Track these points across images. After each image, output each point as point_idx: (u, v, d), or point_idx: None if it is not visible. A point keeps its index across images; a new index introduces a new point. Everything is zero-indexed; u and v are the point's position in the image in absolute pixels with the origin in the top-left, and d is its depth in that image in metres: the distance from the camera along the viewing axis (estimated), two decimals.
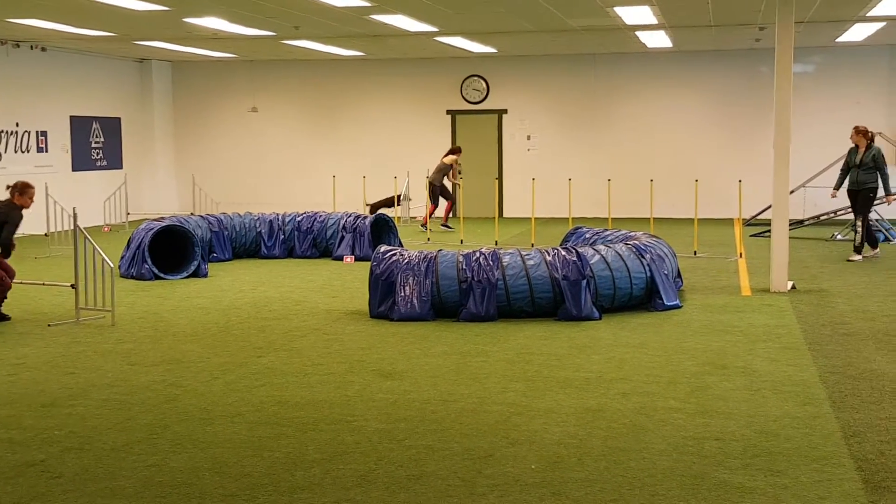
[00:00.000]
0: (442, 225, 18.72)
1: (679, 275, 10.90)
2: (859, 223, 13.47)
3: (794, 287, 10.99)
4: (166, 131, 22.87)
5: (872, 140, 13.66)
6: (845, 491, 4.66)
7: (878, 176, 13.36)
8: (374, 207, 19.15)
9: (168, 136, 22.93)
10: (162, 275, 12.29)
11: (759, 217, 18.03)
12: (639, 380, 6.99)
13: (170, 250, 12.71)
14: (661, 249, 10.24)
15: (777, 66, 10.93)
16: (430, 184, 18.46)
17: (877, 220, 16.16)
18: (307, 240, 14.75)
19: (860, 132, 13.43)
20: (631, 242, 10.17)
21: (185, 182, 22.53)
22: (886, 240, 15.75)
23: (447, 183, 18.88)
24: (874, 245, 13.81)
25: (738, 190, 15.26)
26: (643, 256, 9.80)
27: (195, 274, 12.49)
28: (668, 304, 9.78)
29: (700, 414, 6.06)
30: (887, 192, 13.57)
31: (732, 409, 6.18)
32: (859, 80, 19.97)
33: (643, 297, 9.81)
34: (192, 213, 16.56)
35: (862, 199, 13.39)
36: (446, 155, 18.61)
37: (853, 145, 13.63)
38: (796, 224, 16.64)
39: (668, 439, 5.54)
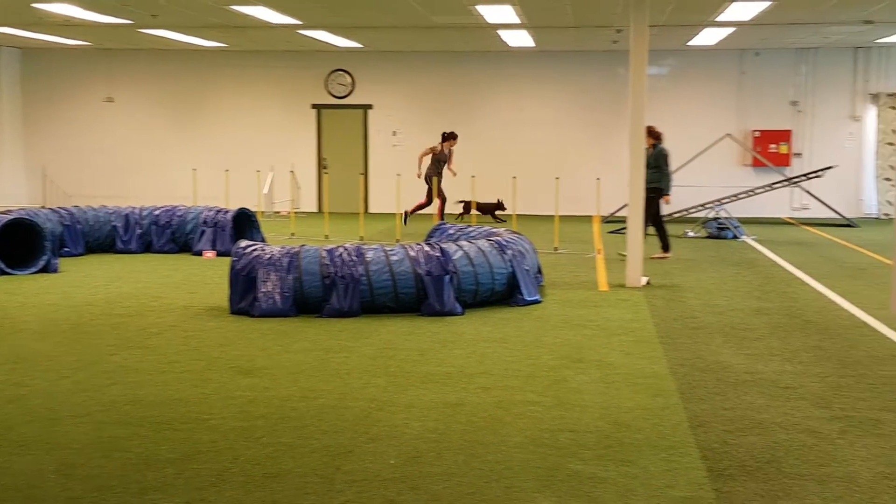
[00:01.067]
0: (407, 216, 17.37)
1: (540, 270, 11.10)
2: (650, 225, 13.23)
3: (648, 282, 11.34)
4: (14, 120, 21.89)
5: (659, 140, 13.67)
6: (691, 479, 4.84)
7: (661, 175, 13.35)
8: (483, 209, 18.60)
9: (16, 125, 21.95)
10: (9, 270, 11.76)
11: (616, 214, 18.53)
12: (499, 374, 7.08)
13: (17, 245, 12.17)
14: (523, 245, 10.41)
15: (632, 68, 11.24)
16: (426, 178, 17.24)
17: (725, 219, 16.86)
18: (165, 234, 14.37)
19: (648, 132, 13.10)
20: (493, 239, 10.30)
21: (34, 174, 21.63)
22: (734, 237, 16.43)
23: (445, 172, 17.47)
24: (666, 249, 13.68)
25: (597, 188, 15.64)
26: (505, 252, 9.94)
27: (45, 269, 12.01)
28: (529, 299, 9.95)
29: (557, 406, 6.19)
30: (664, 192, 13.49)
31: (587, 401, 6.32)
32: (711, 82, 20.76)
33: (505, 292, 9.95)
34: (42, 207, 15.90)
35: (646, 199, 12.87)
36: (442, 143, 17.35)
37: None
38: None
39: (526, 432, 5.63)
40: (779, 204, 20.24)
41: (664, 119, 19.99)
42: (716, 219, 16.98)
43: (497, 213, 18.83)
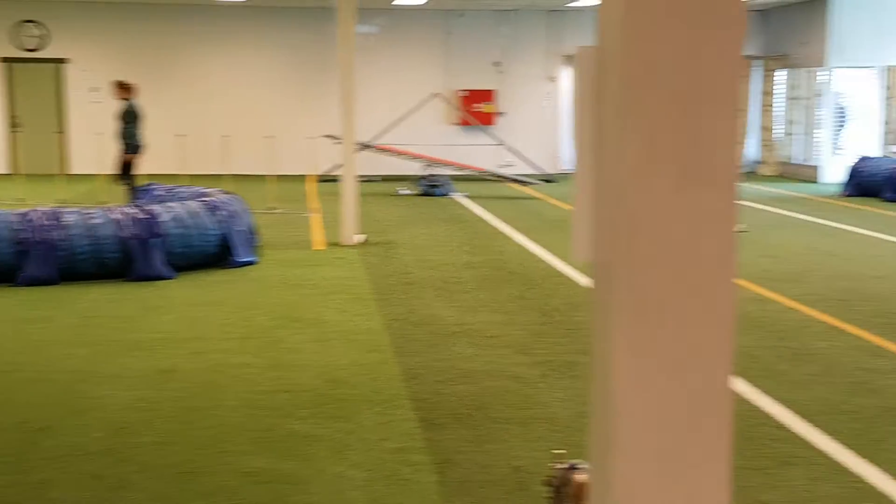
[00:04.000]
0: None
1: (254, 231, 10.93)
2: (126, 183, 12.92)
3: (364, 240, 11.48)
4: None
5: (131, 94, 13.02)
6: (404, 430, 4.97)
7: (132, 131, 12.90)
8: None
9: None
10: None
11: (331, 173, 18.57)
12: (213, 337, 6.92)
13: None
14: (236, 206, 10.19)
15: (339, 26, 11.24)
16: None
17: (437, 176, 17.36)
18: None
19: (118, 86, 12.77)
20: (205, 199, 10.00)
21: None
22: (445, 194, 16.96)
23: None
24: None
25: (311, 147, 15.59)
26: (216, 213, 9.69)
27: None
28: (243, 260, 9.78)
29: (273, 367, 6.14)
30: (128, 150, 13.03)
31: (304, 360, 6.32)
32: (419, 42, 21.20)
33: (218, 254, 9.71)
34: None
35: (122, 155, 12.75)
36: None
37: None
38: (366, 180, 17.37)
39: (241, 395, 5.55)
40: (486, 162, 21.10)
41: (374, 79, 20.25)
42: (427, 176, 17.44)
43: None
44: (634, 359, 1.34)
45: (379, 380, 5.88)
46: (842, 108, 20.48)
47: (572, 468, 2.70)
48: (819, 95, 19.93)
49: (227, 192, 10.79)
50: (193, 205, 9.70)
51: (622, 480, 1.37)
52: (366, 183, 17.04)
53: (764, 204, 15.47)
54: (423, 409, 5.32)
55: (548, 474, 2.76)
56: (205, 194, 10.53)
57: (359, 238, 11.43)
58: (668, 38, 1.28)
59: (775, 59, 21.10)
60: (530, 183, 18.25)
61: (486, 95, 21.12)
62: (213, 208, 9.74)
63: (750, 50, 21.73)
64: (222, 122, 19.78)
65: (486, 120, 20.90)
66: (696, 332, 1.30)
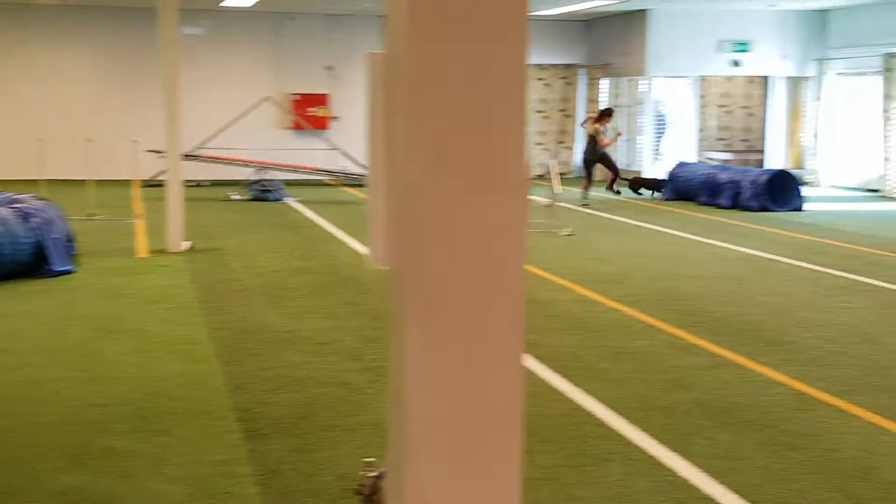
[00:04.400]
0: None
1: (72, 238, 10.47)
2: None
3: (191, 247, 11.18)
4: None
5: None
6: (227, 442, 4.85)
7: None
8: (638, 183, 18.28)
9: None
10: None
11: (156, 178, 18.01)
12: (25, 351, 6.58)
13: None
14: (50, 212, 9.74)
15: (161, 28, 10.93)
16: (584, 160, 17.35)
17: (269, 181, 17.10)
18: None
19: None
20: (16, 206, 9.51)
21: None
22: (278, 199, 16.73)
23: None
24: None
25: (136, 151, 15.06)
26: (29, 220, 9.23)
27: None
28: (59, 269, 9.35)
29: (90, 381, 5.89)
30: None
31: (123, 373, 6.09)
32: (249, 45, 20.85)
33: (32, 263, 9.25)
34: None
35: None
36: (594, 122, 17.39)
37: None
38: (194, 185, 16.95)
39: (57, 410, 5.30)
40: (320, 166, 20.94)
41: (203, 81, 19.78)
42: (259, 181, 17.16)
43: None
44: (427, 364, 1.34)
45: (202, 391, 5.73)
46: (662, 116, 21.40)
47: (381, 476, 2.69)
48: (640, 103, 20.75)
49: (40, 198, 10.30)
50: (3, 211, 9.22)
51: (414, 485, 1.37)
52: (194, 188, 16.63)
53: (590, 208, 15.97)
54: (248, 419, 5.21)
55: (358, 483, 2.75)
56: (16, 200, 10.00)
57: (185, 245, 11.12)
58: (452, 47, 1.29)
59: (599, 67, 21.83)
60: (365, 187, 18.23)
61: (319, 100, 20.97)
62: (25, 215, 9.27)
63: (575, 59, 22.42)
64: (39, 125, 18.88)
65: (319, 124, 20.75)
66: (488, 337, 1.32)
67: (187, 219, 11.48)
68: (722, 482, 4.36)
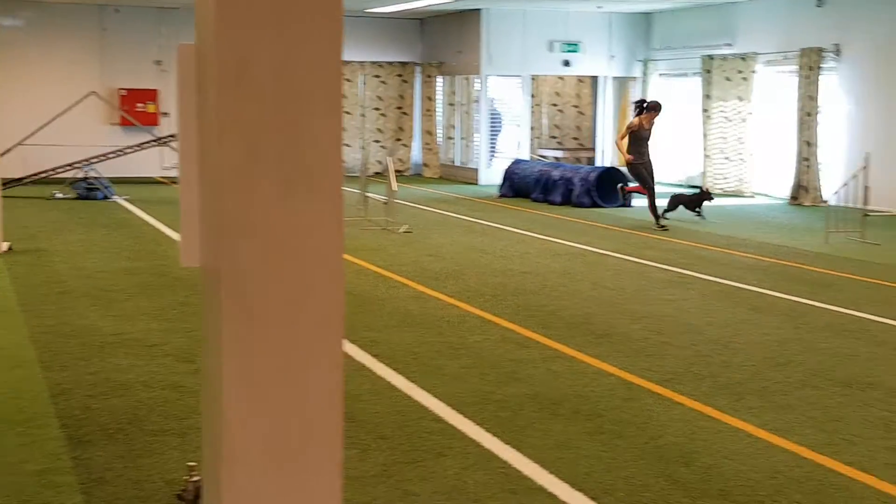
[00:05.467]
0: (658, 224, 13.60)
1: None
2: None
3: (10, 248, 10.62)
4: None
5: None
6: (49, 451, 4.63)
7: None
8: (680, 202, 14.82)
9: None
10: None
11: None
12: None
13: None
14: None
15: None
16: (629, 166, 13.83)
17: (95, 179, 16.44)
18: None
19: None
20: None
21: None
22: (105, 197, 16.11)
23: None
24: None
25: None
26: None
27: None
28: None
29: None
30: None
31: None
32: (72, 38, 19.99)
33: None
34: None
35: None
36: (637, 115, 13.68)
37: None
38: (14, 183, 16.11)
39: None
40: (149, 163, 20.28)
41: (24, 76, 18.85)
42: (85, 179, 16.48)
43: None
44: (243, 366, 1.31)
45: (22, 398, 5.45)
46: (497, 114, 21.78)
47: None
48: (476, 102, 21.05)
49: None
50: None
51: (231, 486, 1.33)
52: (14, 186, 15.81)
53: (427, 205, 16.10)
54: (71, 426, 4.99)
55: (181, 487, 2.67)
56: None
57: (3, 246, 10.56)
58: (261, 39, 1.25)
59: (434, 66, 22.03)
60: None
61: (148, 95, 20.32)
62: None
63: (411, 57, 22.54)
64: None
65: (148, 120, 20.10)
66: (306, 338, 1.29)
67: (6, 218, 10.91)
68: (553, 472, 4.46)
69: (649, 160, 13.49)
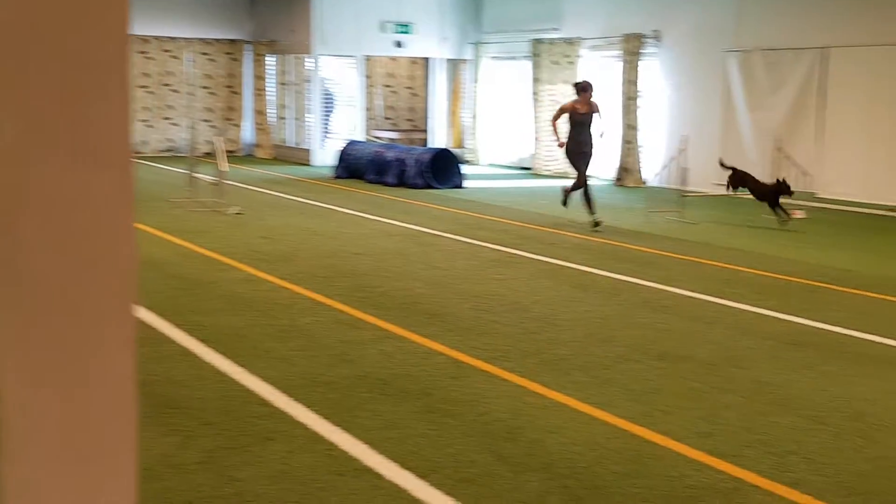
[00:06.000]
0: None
1: None
2: None
3: None
4: None
5: None
6: None
7: None
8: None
9: None
10: None
11: None
12: None
13: None
14: None
15: None
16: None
17: None
18: None
19: None
20: None
21: None
22: None
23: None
24: None
25: None
26: None
27: None
28: None
29: None
30: None
31: None
32: None
33: None
34: None
35: None
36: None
37: None
38: None
39: None
40: None
41: None
42: None
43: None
44: (25, 356, 1.24)
45: None
46: (329, 95, 21.63)
47: None
48: (308, 81, 20.83)
49: None
50: None
51: (15, 482, 1.27)
52: None
53: (260, 186, 15.85)
54: None
55: None
56: None
57: None
58: (38, 8, 1.19)
59: (265, 44, 21.65)
60: None
61: None
62: None
63: (240, 34, 22.08)
64: None
65: None
66: (92, 318, 1.24)
67: None
68: (381, 452, 4.48)
69: (587, 149, 12.13)
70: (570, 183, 12.70)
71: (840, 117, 14.77)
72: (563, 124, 12.20)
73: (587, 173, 12.19)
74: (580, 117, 11.99)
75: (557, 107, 12.77)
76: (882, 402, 5.38)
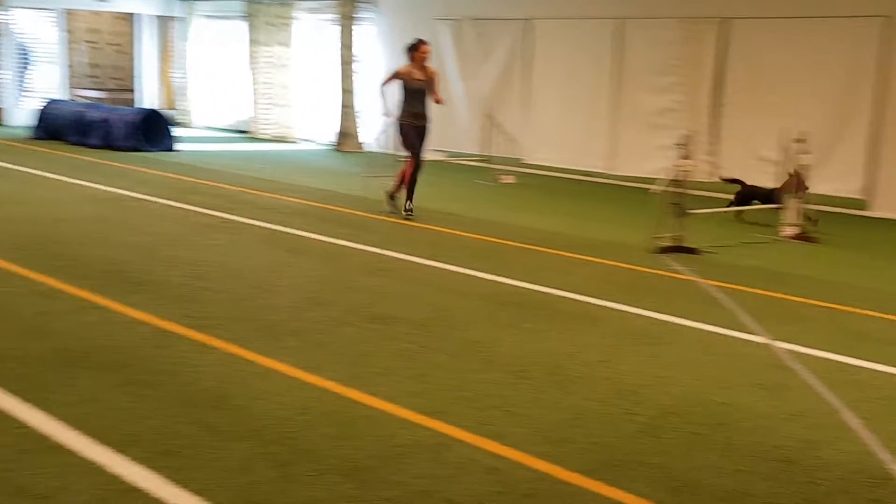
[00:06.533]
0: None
1: None
2: None
3: None
4: None
5: None
6: None
7: None
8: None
9: None
10: None
11: None
12: None
13: None
14: None
15: None
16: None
17: None
18: None
19: None
20: None
21: None
22: None
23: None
24: None
25: None
26: None
27: None
28: None
29: None
30: None
31: None
32: None
33: None
34: None
35: None
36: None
37: None
38: None
39: None
40: None
41: None
42: None
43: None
44: None
45: None
46: (25, 50, 20.06)
47: None
48: (1, 36, 19.22)
49: None
50: None
51: None
52: None
53: None
54: None
55: None
56: None
57: None
58: None
59: None
60: None
61: None
62: None
63: None
64: None
65: None
66: None
67: None
68: (77, 428, 4.18)
69: (423, 123, 10.47)
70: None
71: (544, 87, 15.51)
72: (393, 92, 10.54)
73: (421, 153, 10.54)
74: (416, 84, 10.33)
75: (389, 72, 10.84)
76: (579, 356, 5.69)
